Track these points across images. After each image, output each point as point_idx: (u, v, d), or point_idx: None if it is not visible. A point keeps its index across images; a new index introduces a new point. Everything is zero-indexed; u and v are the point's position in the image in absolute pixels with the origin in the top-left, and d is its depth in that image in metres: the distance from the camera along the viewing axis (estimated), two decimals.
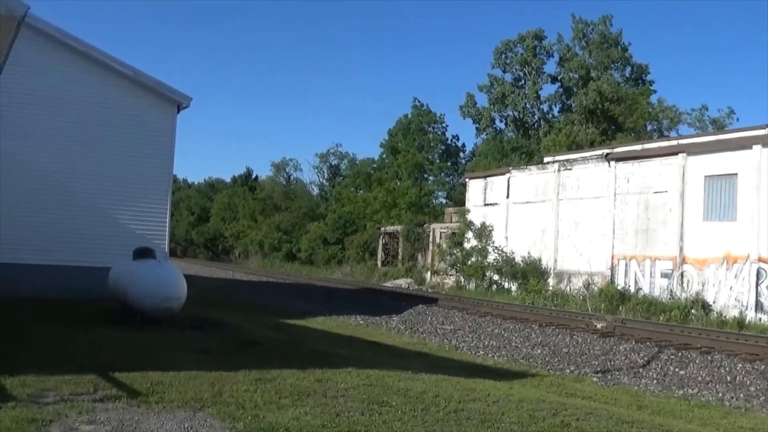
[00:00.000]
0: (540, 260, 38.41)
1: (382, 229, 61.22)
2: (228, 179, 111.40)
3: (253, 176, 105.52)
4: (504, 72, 66.15)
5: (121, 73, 23.94)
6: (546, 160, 43.17)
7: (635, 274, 32.91)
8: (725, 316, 27.07)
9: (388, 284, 47.03)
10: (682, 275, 30.51)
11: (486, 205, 43.78)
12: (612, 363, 18.47)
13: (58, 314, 17.28)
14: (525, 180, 40.82)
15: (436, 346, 20.40)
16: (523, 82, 65.67)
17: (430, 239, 52.57)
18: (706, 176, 30.23)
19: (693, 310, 27.87)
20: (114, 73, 23.88)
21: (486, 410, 9.44)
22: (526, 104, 64.93)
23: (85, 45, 23.39)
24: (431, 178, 70.82)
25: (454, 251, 46.09)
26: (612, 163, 34.99)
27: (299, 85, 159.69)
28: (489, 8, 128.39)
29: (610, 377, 16.67)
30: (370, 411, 8.82)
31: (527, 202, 40.26)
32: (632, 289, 32.24)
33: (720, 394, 14.92)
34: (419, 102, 72.45)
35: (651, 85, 62.51)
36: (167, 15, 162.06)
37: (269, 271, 64.53)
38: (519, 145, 63.13)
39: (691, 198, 30.66)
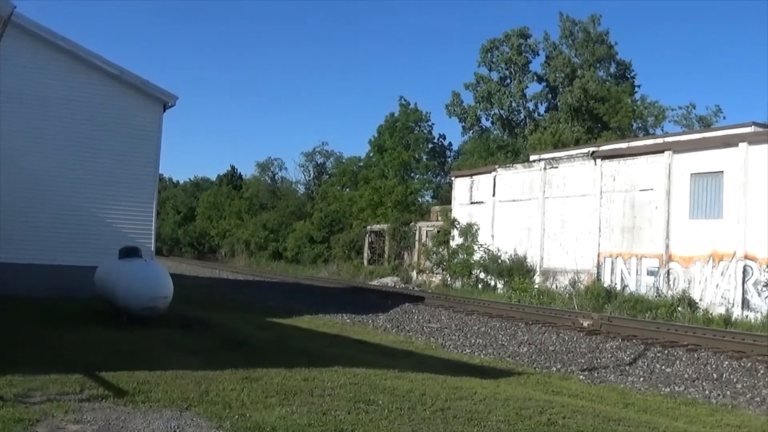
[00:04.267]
0: (526, 258, 38.49)
1: (369, 227, 61.24)
2: (213, 178, 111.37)
3: (238, 174, 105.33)
4: (490, 70, 66.28)
5: (108, 72, 23.86)
6: (532, 158, 43.24)
7: (621, 271, 33.02)
8: (711, 314, 27.20)
9: (375, 283, 47.01)
10: (668, 273, 30.63)
11: (472, 203, 43.81)
12: (598, 361, 18.51)
13: (43, 313, 17.23)
14: (511, 178, 40.88)
15: (423, 345, 20.40)
16: (509, 80, 65.77)
17: (417, 238, 52.64)
18: (692, 174, 30.36)
19: (679, 308, 27.96)
20: (100, 71, 23.80)
21: (472, 408, 9.45)
22: (512, 103, 65.02)
23: (71, 44, 23.29)
24: (418, 176, 70.76)
25: (440, 250, 46.12)
26: (598, 161, 35.09)
27: (285, 84, 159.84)
28: (476, 7, 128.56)
29: (596, 375, 16.71)
30: (357, 410, 8.82)
31: (513, 200, 40.33)
32: (618, 287, 32.36)
33: (706, 392, 14.98)
34: (406, 100, 72.43)
35: (634, 80, 62.84)
36: (152, 14, 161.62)
37: (255, 269, 64.44)
38: (505, 143, 63.15)
39: (677, 196, 30.78)
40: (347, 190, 74.65)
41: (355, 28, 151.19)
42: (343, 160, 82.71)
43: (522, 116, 66.11)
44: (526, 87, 65.04)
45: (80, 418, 7.75)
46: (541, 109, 66.44)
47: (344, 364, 12.32)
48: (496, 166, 43.50)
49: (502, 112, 65.48)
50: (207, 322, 18.36)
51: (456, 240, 44.34)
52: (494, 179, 41.95)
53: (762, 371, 16.59)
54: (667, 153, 31.56)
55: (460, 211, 44.89)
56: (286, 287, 40.99)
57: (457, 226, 44.30)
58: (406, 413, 8.84)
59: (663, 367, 17.49)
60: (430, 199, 68.01)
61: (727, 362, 17.54)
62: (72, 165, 23.02)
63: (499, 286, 38.97)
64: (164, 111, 24.83)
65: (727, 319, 26.32)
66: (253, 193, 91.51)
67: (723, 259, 28.45)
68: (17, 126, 22.13)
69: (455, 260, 43.54)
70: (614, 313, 27.88)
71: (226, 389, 9.53)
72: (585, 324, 23.04)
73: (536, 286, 36.25)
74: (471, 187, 44.25)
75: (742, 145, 28.26)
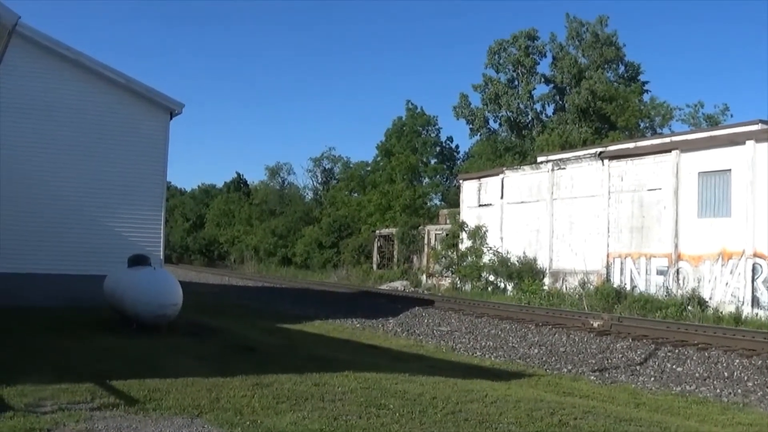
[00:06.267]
0: (535, 260, 38.41)
1: (377, 231, 61.21)
2: (220, 185, 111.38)
3: (244, 181, 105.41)
4: (497, 72, 66.19)
5: (113, 81, 23.88)
6: (539, 159, 43.15)
7: (631, 271, 32.93)
8: (721, 312, 27.13)
9: (384, 287, 47.02)
10: (677, 272, 30.54)
11: (480, 206, 43.75)
12: (609, 361, 18.49)
13: (53, 323, 17.23)
14: (519, 180, 40.82)
15: (433, 348, 20.40)
16: (516, 82, 65.71)
17: (425, 241, 52.58)
18: (699, 173, 30.27)
19: (689, 307, 27.89)
20: (106, 80, 23.82)
21: (484, 411, 9.45)
22: (519, 104, 64.95)
23: (76, 53, 23.33)
24: (426, 180, 70.78)
25: (449, 253, 46.08)
26: (605, 161, 35.01)
27: (292, 90, 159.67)
28: (483, 8, 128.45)
29: (607, 375, 16.69)
30: (368, 414, 8.83)
31: (521, 202, 40.26)
32: (628, 287, 32.26)
33: (717, 390, 14.95)
34: (413, 104, 72.52)
35: (644, 84, 62.73)
36: (158, 21, 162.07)
37: (265, 275, 64.51)
38: (513, 145, 63.12)
39: (685, 195, 30.69)
40: (355, 194, 74.70)
41: (362, 32, 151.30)
42: (351, 165, 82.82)
43: (529, 118, 66.02)
44: (534, 88, 65.04)
45: (91, 427, 7.75)
46: (549, 110, 66.51)
47: (355, 368, 12.32)
48: (504, 168, 43.46)
49: (509, 113, 65.36)
50: (216, 328, 18.38)
51: (465, 243, 44.29)
52: (502, 181, 41.88)
53: None
54: (674, 152, 31.48)
55: (469, 213, 44.83)
56: (296, 293, 41.00)
57: (466, 229, 44.24)
58: (417, 417, 8.84)
59: (674, 366, 17.46)
60: (439, 203, 68.00)
61: (737, 360, 17.48)
62: (79, 174, 23.03)
63: (509, 288, 38.90)
64: (171, 119, 24.85)
65: (737, 318, 26.24)
66: (262, 199, 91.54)
67: (732, 257, 28.37)
68: (22, 136, 22.15)
69: (464, 263, 43.51)
70: (624, 313, 27.82)
71: (236, 395, 9.54)
72: (595, 325, 22.98)
73: (546, 287, 36.21)
74: (479, 190, 44.19)
75: (750, 143, 28.18)
